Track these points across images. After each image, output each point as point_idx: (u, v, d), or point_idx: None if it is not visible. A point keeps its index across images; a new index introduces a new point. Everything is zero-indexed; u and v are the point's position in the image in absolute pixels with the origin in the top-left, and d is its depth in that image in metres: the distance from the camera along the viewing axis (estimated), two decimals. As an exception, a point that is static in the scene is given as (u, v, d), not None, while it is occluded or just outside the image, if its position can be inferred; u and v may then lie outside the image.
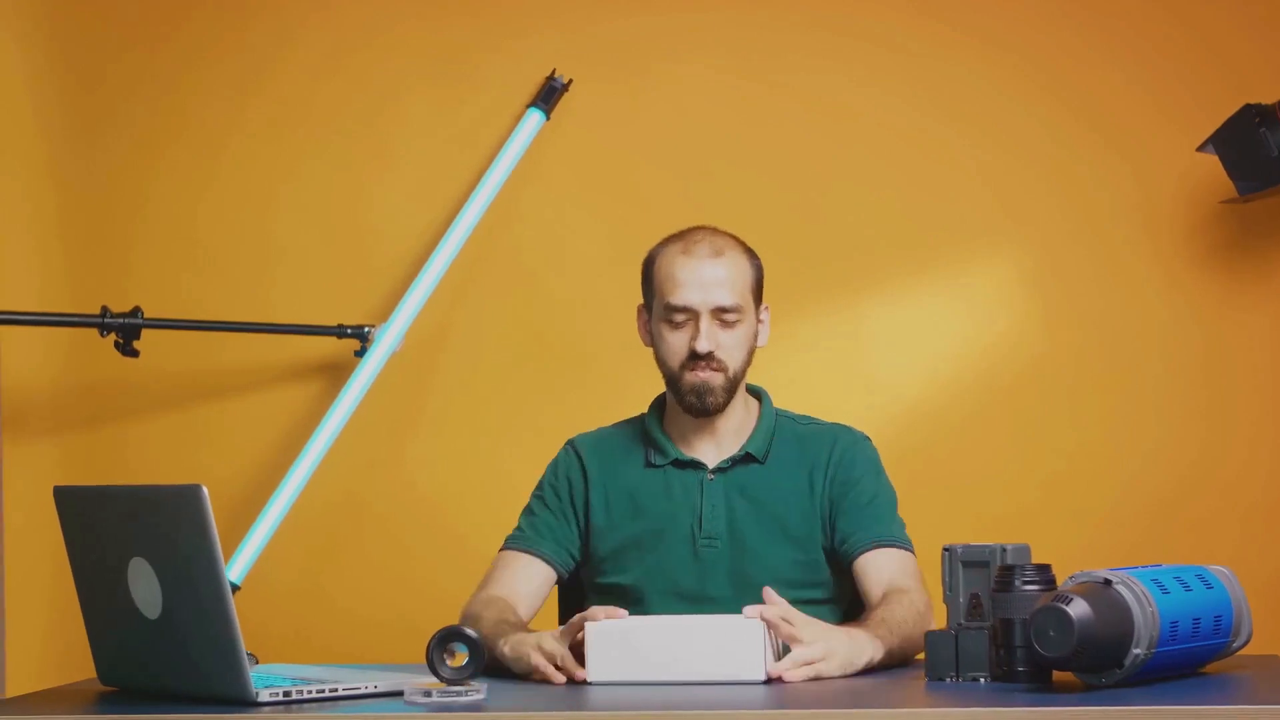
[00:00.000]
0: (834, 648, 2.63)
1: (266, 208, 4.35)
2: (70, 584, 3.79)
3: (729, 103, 4.30)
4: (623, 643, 2.60)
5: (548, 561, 3.08)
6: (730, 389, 3.04)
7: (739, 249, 3.09)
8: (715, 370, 3.01)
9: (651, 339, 3.10)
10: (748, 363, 3.06)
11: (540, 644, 2.67)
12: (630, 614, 3.00)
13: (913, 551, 3.03)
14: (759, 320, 3.10)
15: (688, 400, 3.04)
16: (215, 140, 4.36)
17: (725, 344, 3.02)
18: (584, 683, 2.60)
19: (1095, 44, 4.24)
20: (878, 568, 2.98)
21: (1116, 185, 4.22)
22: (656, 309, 3.08)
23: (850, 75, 4.29)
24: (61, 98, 4.34)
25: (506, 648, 2.74)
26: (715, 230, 3.12)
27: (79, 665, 3.82)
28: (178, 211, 4.36)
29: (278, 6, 4.38)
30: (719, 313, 3.02)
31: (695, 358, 3.01)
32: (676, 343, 3.04)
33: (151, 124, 4.37)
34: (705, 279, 3.03)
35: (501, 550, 3.11)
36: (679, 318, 3.03)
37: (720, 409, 3.05)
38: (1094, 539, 4.14)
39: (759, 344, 3.10)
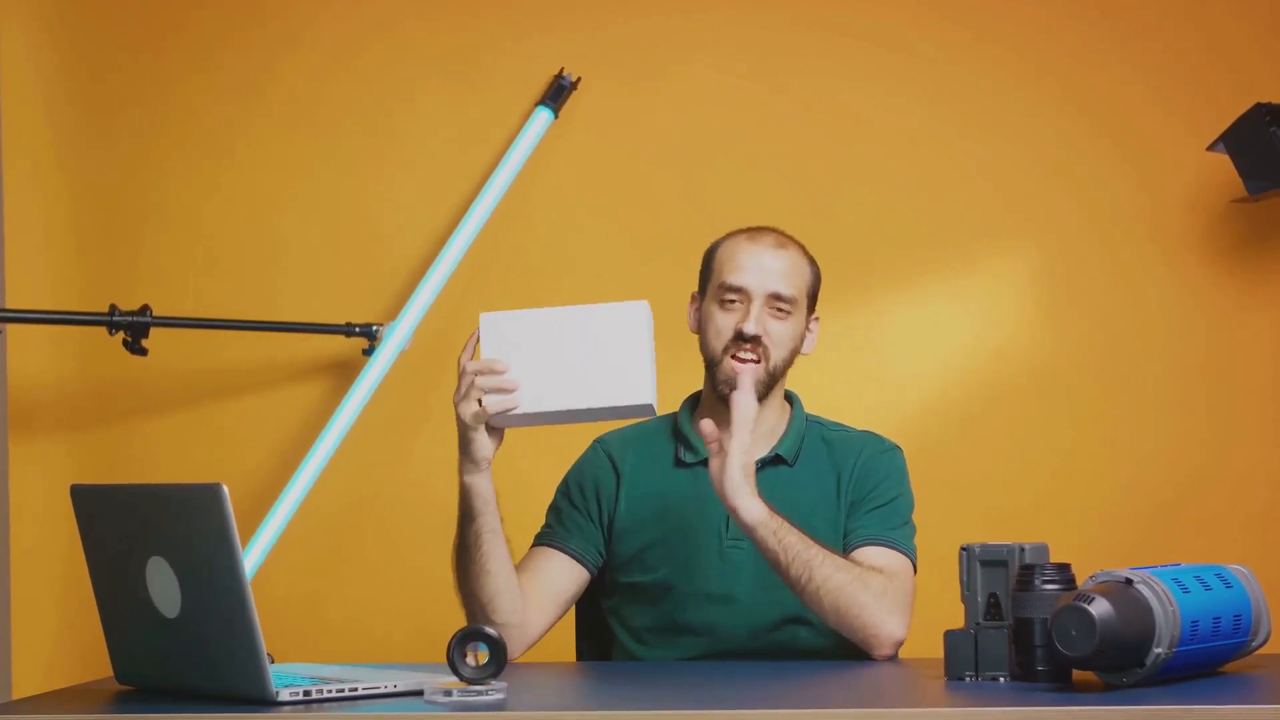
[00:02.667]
0: (736, 458, 2.81)
1: (275, 207, 4.35)
2: (78, 583, 3.79)
3: (737, 103, 4.30)
4: (514, 330, 2.78)
5: (576, 559, 3.07)
6: (768, 382, 3.02)
7: (802, 250, 3.12)
8: (756, 360, 3.00)
9: (700, 323, 3.08)
10: (789, 362, 3.06)
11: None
12: (655, 606, 3.01)
13: (912, 560, 3.02)
14: (808, 327, 3.10)
15: (722, 388, 3.02)
16: (224, 139, 4.36)
17: (773, 333, 3.02)
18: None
19: (1104, 44, 4.24)
20: (866, 559, 2.97)
21: (1125, 185, 4.22)
22: (710, 290, 3.07)
23: (859, 76, 4.29)
24: (71, 97, 4.34)
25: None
26: (783, 231, 3.14)
27: (87, 664, 3.85)
28: (187, 210, 4.35)
29: (286, 6, 4.37)
30: (773, 300, 3.02)
31: (740, 339, 3.00)
32: (724, 324, 3.03)
33: (160, 124, 4.37)
34: (765, 265, 3.04)
35: (532, 547, 3.10)
36: (732, 299, 3.03)
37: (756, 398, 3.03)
38: (1101, 538, 4.14)
39: (804, 350, 3.10)
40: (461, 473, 2.86)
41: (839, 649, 2.95)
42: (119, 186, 4.35)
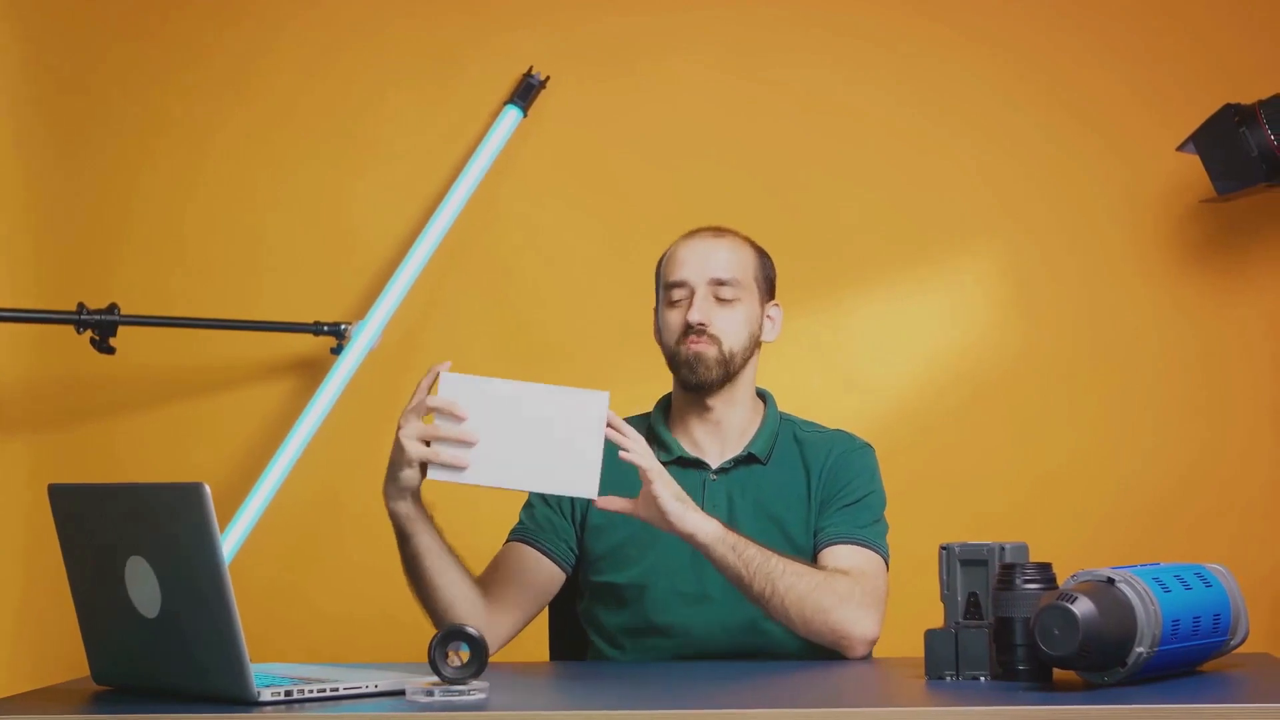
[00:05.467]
0: (663, 487, 2.77)
1: (244, 206, 4.33)
2: (40, 584, 3.77)
3: (709, 99, 4.30)
4: (471, 395, 2.73)
5: (549, 555, 3.06)
6: (725, 365, 3.03)
7: (743, 239, 3.14)
8: (708, 344, 3.01)
9: (657, 329, 3.10)
10: (749, 348, 3.06)
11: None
12: (628, 608, 3.00)
13: (884, 558, 3.01)
14: (766, 315, 3.11)
15: (682, 374, 3.05)
16: (194, 140, 4.34)
17: (720, 319, 3.03)
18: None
19: (1082, 41, 4.24)
20: (836, 557, 2.98)
21: (1103, 183, 4.22)
22: (660, 295, 3.10)
23: (832, 73, 4.29)
24: (40, 95, 4.30)
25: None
26: (726, 226, 3.15)
27: (51, 665, 3.82)
28: (156, 209, 4.33)
29: (263, 6, 4.35)
30: (715, 286, 3.03)
31: (689, 331, 3.01)
32: (674, 320, 3.05)
33: (131, 122, 4.35)
34: (702, 255, 3.06)
35: (505, 543, 3.10)
36: (677, 294, 3.05)
37: (714, 383, 3.03)
38: (1080, 538, 4.12)
39: (766, 338, 3.11)
40: (387, 499, 2.86)
41: (814, 648, 2.95)
42: (89, 185, 4.32)
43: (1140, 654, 2.29)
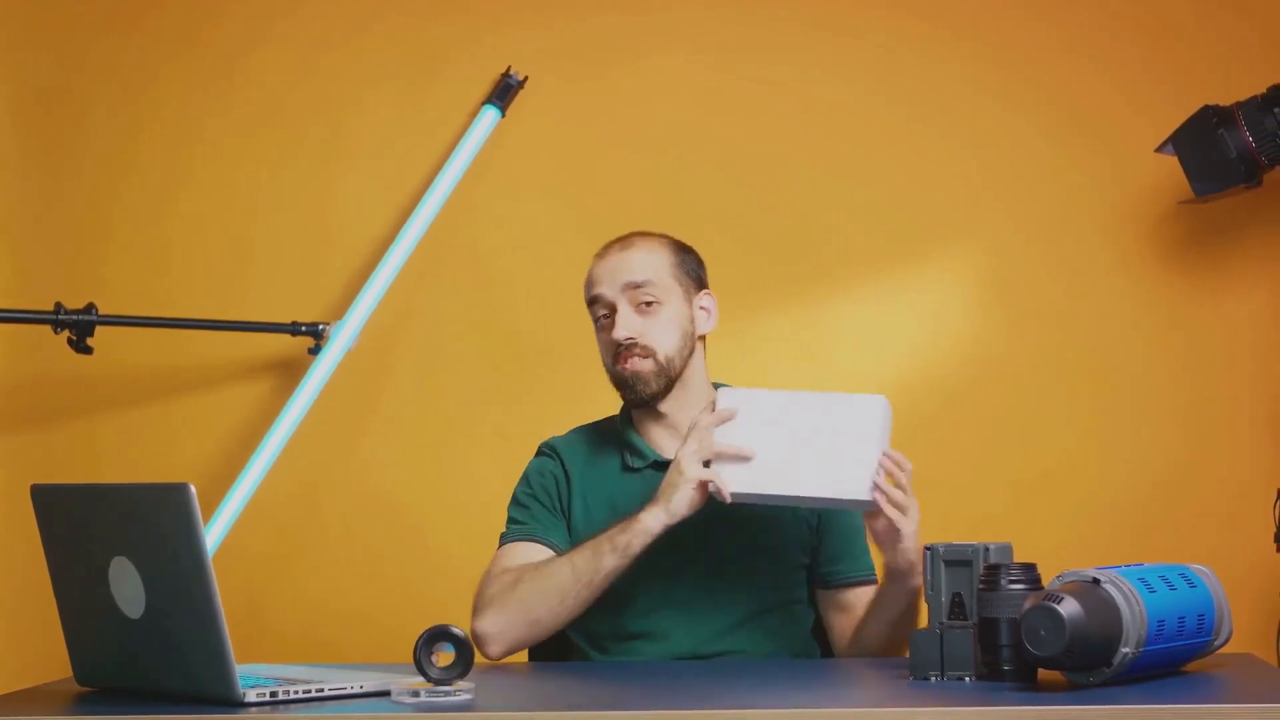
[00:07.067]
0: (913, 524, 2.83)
1: (224, 206, 4.32)
2: (24, 584, 3.75)
3: (688, 98, 4.29)
4: (745, 407, 2.79)
5: (554, 549, 3.02)
6: (664, 373, 3.01)
7: (653, 238, 3.10)
8: (642, 356, 2.99)
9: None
10: (685, 348, 3.03)
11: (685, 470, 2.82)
12: (611, 614, 3.00)
13: None
14: (699, 307, 3.07)
15: (624, 393, 3.04)
16: (174, 140, 4.33)
17: (646, 329, 3.00)
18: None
19: (1063, 42, 4.22)
20: (868, 593, 3.02)
21: (1084, 183, 4.20)
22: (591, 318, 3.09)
23: (811, 72, 4.28)
24: (19, 95, 4.29)
25: (636, 525, 2.86)
26: (637, 230, 3.14)
27: (33, 667, 3.80)
28: (134, 208, 4.32)
29: (245, 6, 4.34)
30: (631, 292, 3.00)
31: (619, 348, 3.00)
32: (605, 341, 3.04)
33: (110, 122, 4.33)
34: (612, 266, 3.05)
35: (501, 545, 3.06)
36: (601, 314, 3.04)
37: (656, 395, 3.01)
38: (1067, 538, 4.09)
39: (701, 330, 3.08)
40: (652, 519, 2.85)
41: (787, 654, 2.96)
42: (68, 183, 4.31)
43: (1126, 654, 2.30)
